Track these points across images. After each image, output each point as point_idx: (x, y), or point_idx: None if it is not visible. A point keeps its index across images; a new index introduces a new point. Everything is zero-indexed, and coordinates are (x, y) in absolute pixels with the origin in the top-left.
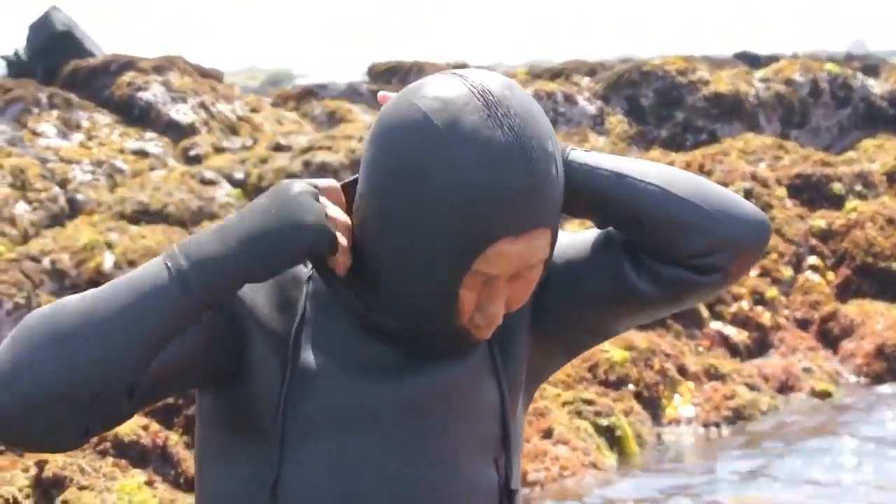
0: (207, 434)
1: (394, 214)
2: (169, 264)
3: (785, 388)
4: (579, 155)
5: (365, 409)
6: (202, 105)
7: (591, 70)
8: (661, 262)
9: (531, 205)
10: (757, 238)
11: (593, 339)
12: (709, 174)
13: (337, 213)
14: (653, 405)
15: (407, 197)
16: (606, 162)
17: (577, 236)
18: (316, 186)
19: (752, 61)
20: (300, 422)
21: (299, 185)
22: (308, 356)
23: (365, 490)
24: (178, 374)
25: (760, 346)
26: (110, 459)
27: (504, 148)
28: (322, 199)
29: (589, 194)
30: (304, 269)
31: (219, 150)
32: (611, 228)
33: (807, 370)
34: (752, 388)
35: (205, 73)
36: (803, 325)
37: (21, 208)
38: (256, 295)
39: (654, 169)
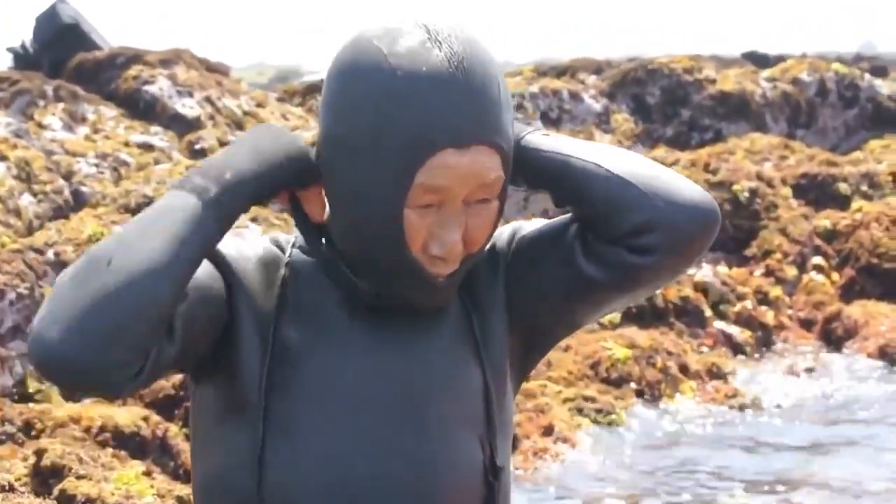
0: (197, 422)
1: (339, 135)
2: (186, 187)
3: None
4: (532, 139)
5: (349, 383)
6: (208, 99)
7: (598, 68)
8: (601, 241)
9: (471, 117)
10: (694, 221)
11: (562, 330)
12: (714, 173)
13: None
14: (654, 403)
15: (351, 116)
16: (555, 145)
17: (544, 223)
18: None
19: (760, 61)
20: (285, 396)
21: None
22: (291, 333)
23: (350, 460)
24: (200, 330)
25: (763, 345)
26: (109, 450)
27: (442, 61)
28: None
29: (538, 176)
30: (283, 255)
31: (224, 144)
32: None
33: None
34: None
35: (211, 68)
36: (807, 325)
37: (26, 200)
38: (245, 272)
39: (602, 152)
